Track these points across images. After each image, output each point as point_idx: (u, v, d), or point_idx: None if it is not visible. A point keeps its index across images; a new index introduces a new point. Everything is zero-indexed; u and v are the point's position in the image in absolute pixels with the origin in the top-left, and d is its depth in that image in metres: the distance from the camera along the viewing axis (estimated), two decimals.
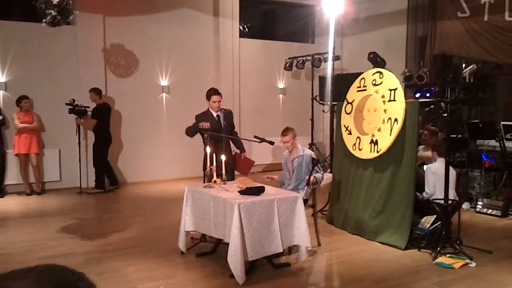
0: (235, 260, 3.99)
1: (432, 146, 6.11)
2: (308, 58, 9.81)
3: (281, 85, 11.16)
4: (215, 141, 5.80)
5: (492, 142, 7.20)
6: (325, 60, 9.44)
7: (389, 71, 5.72)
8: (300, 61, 10.02)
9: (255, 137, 5.81)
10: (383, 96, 5.48)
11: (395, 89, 5.36)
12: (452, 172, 5.56)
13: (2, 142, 8.09)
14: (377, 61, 8.35)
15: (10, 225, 6.31)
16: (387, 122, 5.37)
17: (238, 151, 6.34)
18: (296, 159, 5.46)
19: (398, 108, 5.28)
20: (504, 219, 6.48)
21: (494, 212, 6.61)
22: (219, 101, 6.04)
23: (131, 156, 9.35)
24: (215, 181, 4.86)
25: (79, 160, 8.45)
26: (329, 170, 7.20)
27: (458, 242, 5.07)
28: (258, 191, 4.44)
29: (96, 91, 8.32)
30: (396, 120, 5.27)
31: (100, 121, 8.28)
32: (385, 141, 5.38)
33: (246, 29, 11.06)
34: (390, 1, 9.96)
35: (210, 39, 10.17)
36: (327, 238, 5.53)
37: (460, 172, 6.42)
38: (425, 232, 5.18)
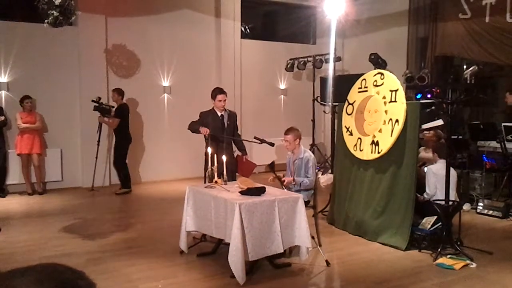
0: (235, 260, 3.99)
1: (433, 147, 6.11)
2: (310, 59, 9.81)
3: (282, 86, 11.17)
4: (216, 141, 5.81)
5: (493, 143, 7.19)
6: (326, 61, 9.44)
7: (390, 72, 5.72)
8: (302, 62, 10.03)
9: (255, 138, 5.81)
10: (384, 97, 5.49)
11: (396, 90, 5.36)
12: (453, 173, 5.56)
13: (4, 142, 8.11)
14: (378, 62, 8.36)
15: (12, 224, 6.32)
16: (388, 123, 5.37)
17: (240, 153, 6.33)
18: (296, 161, 5.45)
19: (399, 109, 5.28)
20: (504, 220, 6.48)
21: (495, 213, 6.61)
22: (225, 100, 6.04)
23: (133, 157, 9.34)
24: (216, 182, 4.87)
25: (96, 158, 8.48)
26: (330, 171, 7.20)
27: (458, 243, 5.07)
28: (259, 191, 4.44)
29: (119, 92, 8.36)
30: (397, 121, 5.28)
31: (122, 120, 8.29)
32: (386, 142, 5.39)
33: (248, 30, 11.07)
34: (391, 2, 9.95)
35: (212, 40, 10.19)
36: (328, 239, 5.53)
37: (461, 173, 6.42)
38: (426, 233, 5.18)
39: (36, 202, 7.69)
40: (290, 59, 10.25)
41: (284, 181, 5.10)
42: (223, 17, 10.15)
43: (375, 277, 4.40)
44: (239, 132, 6.48)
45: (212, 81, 9.64)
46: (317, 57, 9.69)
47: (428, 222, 5.27)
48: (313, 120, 9.56)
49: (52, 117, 8.64)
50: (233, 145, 6.35)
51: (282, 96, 11.20)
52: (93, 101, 8.17)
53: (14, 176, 8.30)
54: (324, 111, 9.99)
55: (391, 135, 5.32)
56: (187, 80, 9.86)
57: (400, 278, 4.40)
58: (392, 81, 5.47)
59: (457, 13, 8.66)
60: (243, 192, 4.41)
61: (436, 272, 4.53)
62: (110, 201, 7.97)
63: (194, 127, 5.92)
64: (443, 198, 5.19)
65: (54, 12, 5.56)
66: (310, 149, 7.14)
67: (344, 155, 6.16)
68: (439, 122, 5.79)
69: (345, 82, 6.96)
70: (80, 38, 8.73)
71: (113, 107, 8.35)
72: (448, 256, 4.81)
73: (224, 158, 5.03)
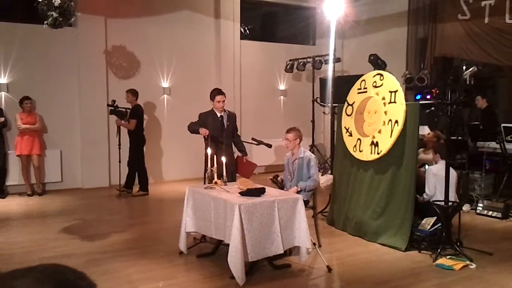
0: (235, 261, 3.99)
1: (433, 148, 6.12)
2: (309, 60, 9.82)
3: (282, 87, 11.18)
4: (216, 142, 5.81)
5: (493, 144, 7.20)
6: (326, 62, 9.45)
7: (390, 73, 5.73)
8: (301, 63, 10.03)
9: (252, 139, 5.81)
10: (383, 98, 5.49)
11: (395, 91, 5.37)
12: (453, 173, 5.57)
13: (3, 143, 8.11)
14: (377, 63, 8.36)
15: (11, 225, 6.32)
16: (388, 124, 5.38)
17: (240, 154, 6.33)
18: (296, 161, 5.45)
19: (398, 110, 5.29)
20: (504, 221, 6.49)
21: (495, 214, 6.61)
22: (224, 101, 6.04)
23: None
24: (215, 182, 4.87)
25: (119, 161, 8.08)
26: (329, 172, 7.20)
27: (458, 243, 5.07)
28: (259, 192, 4.45)
29: (133, 93, 8.24)
30: (396, 122, 5.28)
31: (138, 121, 8.16)
32: (386, 143, 5.39)
33: (247, 31, 11.08)
34: (390, 3, 9.96)
35: (211, 41, 10.20)
36: (328, 240, 5.53)
37: (461, 174, 6.42)
38: (426, 234, 5.18)
39: (36, 203, 7.69)
40: (290, 60, 10.26)
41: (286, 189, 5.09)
42: (222, 18, 10.15)
43: (374, 278, 4.40)
44: (238, 133, 6.48)
45: (211, 82, 9.64)
46: (316, 58, 9.70)
47: (427, 222, 5.27)
48: (313, 121, 9.56)
49: (52, 118, 8.64)
50: (233, 146, 6.35)
51: (281, 97, 11.20)
52: (108, 105, 8.04)
53: (14, 177, 8.29)
54: (324, 112, 9.99)
55: (391, 136, 5.33)
56: (186, 81, 9.87)
57: (400, 278, 4.40)
58: (391, 82, 5.48)
59: (457, 14, 8.67)
60: (242, 193, 4.41)
61: (435, 273, 4.53)
62: (109, 202, 7.96)
63: (193, 128, 5.91)
64: (443, 198, 5.19)
65: (54, 13, 5.56)
66: (309, 150, 7.13)
67: (343, 156, 6.16)
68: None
69: (344, 83, 6.96)
70: (80, 39, 8.73)
71: (128, 109, 8.16)
72: (448, 256, 4.81)
73: (223, 159, 5.03)
